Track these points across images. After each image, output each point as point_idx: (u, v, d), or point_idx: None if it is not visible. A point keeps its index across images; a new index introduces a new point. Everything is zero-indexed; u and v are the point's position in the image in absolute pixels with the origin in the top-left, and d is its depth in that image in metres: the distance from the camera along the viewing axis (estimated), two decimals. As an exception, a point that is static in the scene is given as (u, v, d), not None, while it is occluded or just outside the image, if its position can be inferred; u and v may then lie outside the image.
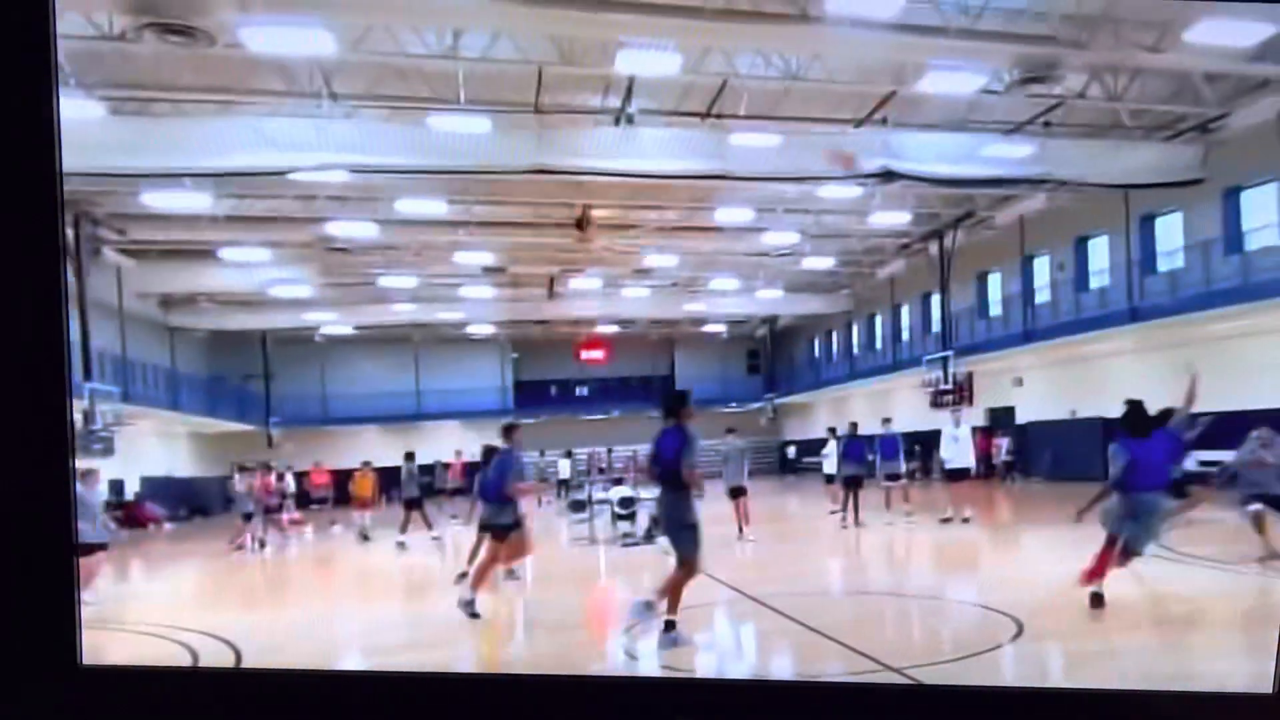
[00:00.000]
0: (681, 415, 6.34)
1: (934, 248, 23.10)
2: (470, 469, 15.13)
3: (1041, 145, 17.14)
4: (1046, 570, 9.06)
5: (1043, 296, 22.19)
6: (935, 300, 24.80)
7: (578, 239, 21.01)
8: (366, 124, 14.75)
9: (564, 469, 23.70)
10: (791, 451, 32.53)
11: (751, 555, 11.18)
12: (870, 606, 8.11)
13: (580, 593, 9.58)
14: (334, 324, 28.55)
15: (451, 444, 22.38)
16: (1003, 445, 22.51)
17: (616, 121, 15.44)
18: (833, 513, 14.75)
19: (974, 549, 11.42)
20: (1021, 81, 14.84)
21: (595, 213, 20.19)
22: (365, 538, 15.67)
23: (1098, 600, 6.59)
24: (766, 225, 21.87)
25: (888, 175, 16.08)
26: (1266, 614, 6.78)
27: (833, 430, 16.75)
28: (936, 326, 24.85)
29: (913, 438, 25.16)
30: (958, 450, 13.63)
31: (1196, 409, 7.72)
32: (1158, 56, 14.13)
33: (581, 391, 33.55)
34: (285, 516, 17.74)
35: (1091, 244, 20.97)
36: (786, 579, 9.26)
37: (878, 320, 29.70)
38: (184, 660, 6.33)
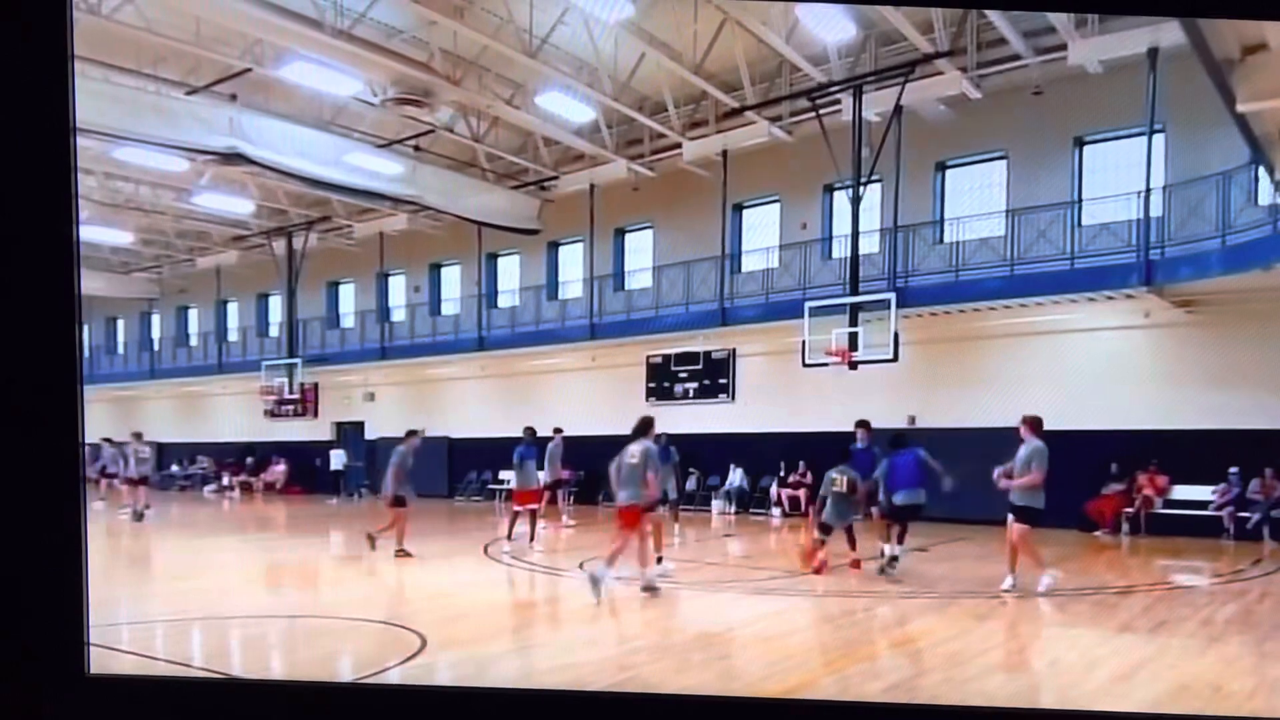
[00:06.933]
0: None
1: (280, 246, 21.45)
2: None
3: (413, 168, 17.16)
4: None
5: (399, 315, 22.37)
6: (276, 302, 23.12)
7: None
8: None
9: None
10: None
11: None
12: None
13: None
14: None
15: None
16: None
17: None
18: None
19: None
20: (398, 101, 14.53)
21: None
22: None
23: None
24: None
25: (237, 157, 14.03)
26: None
27: (138, 435, 15.63)
28: (276, 331, 23.20)
29: (247, 449, 23.12)
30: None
31: None
32: (512, 111, 15.22)
33: None
34: None
35: (445, 271, 21.88)
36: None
37: (192, 313, 26.54)
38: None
